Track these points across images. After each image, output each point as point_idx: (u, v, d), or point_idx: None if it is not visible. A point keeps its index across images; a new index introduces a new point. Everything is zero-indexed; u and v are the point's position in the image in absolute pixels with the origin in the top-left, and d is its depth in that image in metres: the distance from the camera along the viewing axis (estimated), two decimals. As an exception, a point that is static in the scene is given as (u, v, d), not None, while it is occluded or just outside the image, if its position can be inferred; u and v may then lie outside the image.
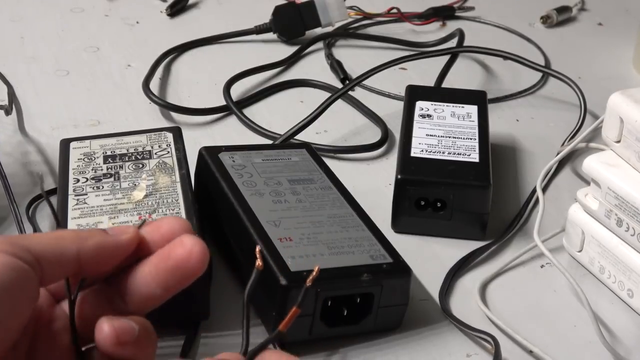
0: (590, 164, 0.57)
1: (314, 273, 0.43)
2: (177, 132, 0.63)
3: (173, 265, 0.42)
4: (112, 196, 0.56)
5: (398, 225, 0.62)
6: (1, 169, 0.63)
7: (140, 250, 0.43)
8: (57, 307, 0.43)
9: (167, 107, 0.76)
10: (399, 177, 0.61)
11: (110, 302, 0.43)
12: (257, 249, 0.44)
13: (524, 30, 0.93)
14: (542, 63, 0.86)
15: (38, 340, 0.41)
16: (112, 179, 0.58)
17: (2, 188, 0.63)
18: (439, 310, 0.56)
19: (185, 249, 0.42)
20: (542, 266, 0.61)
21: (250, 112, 0.77)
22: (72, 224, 0.53)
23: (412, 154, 0.63)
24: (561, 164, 0.71)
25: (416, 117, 0.67)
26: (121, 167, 0.59)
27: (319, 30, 0.89)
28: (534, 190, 0.66)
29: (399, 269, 0.53)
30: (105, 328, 0.40)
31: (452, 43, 0.86)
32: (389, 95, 0.80)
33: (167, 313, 0.44)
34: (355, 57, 0.86)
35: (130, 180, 0.58)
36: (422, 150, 0.63)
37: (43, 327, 0.41)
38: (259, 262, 0.43)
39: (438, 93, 0.72)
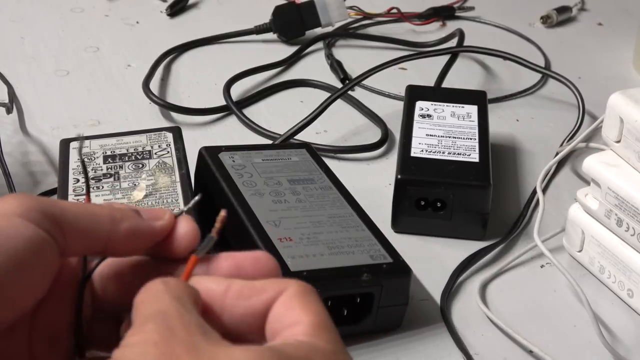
0: (590, 164, 0.57)
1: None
2: (177, 132, 0.63)
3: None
4: (112, 196, 0.56)
5: (398, 225, 0.62)
6: (6, 169, 0.63)
7: (169, 240, 0.39)
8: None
9: (167, 107, 0.76)
10: (399, 177, 0.61)
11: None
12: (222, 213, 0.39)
13: (524, 30, 0.93)
14: (542, 63, 0.86)
15: (35, 315, 0.38)
16: (112, 179, 0.58)
17: (1, 188, 0.63)
18: (439, 311, 0.56)
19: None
20: (542, 266, 0.61)
21: (250, 112, 0.77)
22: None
23: (412, 154, 0.63)
24: (561, 164, 0.71)
25: (416, 117, 0.67)
26: (121, 167, 0.59)
27: (319, 30, 0.89)
28: (535, 191, 0.66)
29: (399, 269, 0.53)
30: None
31: (452, 43, 0.86)
32: (389, 95, 0.80)
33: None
34: (355, 57, 0.86)
35: (130, 180, 0.58)
36: (422, 150, 0.63)
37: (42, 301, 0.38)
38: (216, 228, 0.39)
39: (438, 93, 0.72)
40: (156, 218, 0.39)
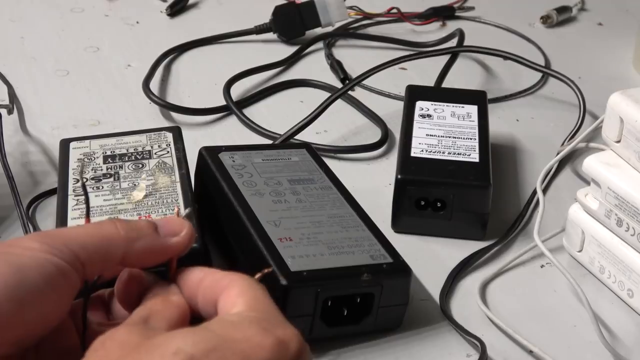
0: (590, 164, 0.57)
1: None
2: (177, 132, 0.63)
3: None
4: (112, 196, 0.56)
5: (398, 225, 0.62)
6: (8, 170, 0.63)
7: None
8: None
9: (167, 107, 0.76)
10: (399, 177, 0.61)
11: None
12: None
13: (524, 30, 0.93)
14: (542, 63, 0.86)
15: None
16: (112, 179, 0.58)
17: (2, 188, 0.63)
18: (439, 311, 0.56)
19: None
20: (542, 266, 0.61)
21: (250, 112, 0.77)
22: (71, 225, 0.53)
23: (412, 154, 0.63)
24: (561, 164, 0.71)
25: (416, 117, 0.67)
26: (121, 167, 0.59)
27: (319, 30, 0.89)
28: (535, 191, 0.66)
29: (399, 269, 0.53)
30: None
31: (452, 43, 0.86)
32: (389, 95, 0.80)
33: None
34: (355, 57, 0.86)
35: (130, 181, 0.58)
36: (422, 150, 0.63)
37: None
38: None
39: (438, 93, 0.72)
40: (173, 234, 0.41)
